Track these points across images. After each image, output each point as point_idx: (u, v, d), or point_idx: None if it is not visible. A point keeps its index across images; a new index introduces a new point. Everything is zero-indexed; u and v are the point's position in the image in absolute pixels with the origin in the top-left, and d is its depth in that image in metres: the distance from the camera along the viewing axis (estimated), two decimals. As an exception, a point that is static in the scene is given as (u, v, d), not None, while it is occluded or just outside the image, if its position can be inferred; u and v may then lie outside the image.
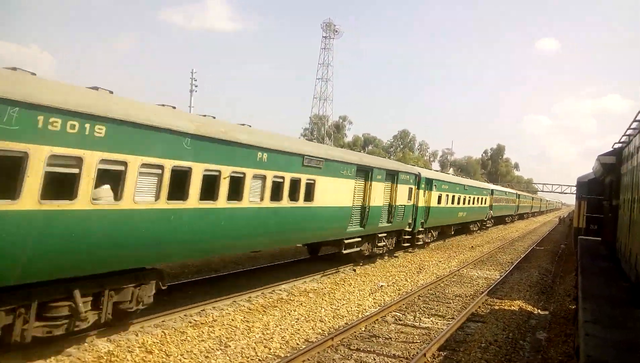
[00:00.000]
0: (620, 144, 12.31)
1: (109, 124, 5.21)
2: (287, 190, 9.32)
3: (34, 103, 4.37)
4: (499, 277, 16.04)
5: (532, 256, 22.63)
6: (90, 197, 5.26)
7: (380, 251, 15.81)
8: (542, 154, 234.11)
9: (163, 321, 8.43)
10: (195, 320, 8.68)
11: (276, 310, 9.80)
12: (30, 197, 4.49)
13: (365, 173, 13.53)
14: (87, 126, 5.00)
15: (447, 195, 22.54)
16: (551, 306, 12.27)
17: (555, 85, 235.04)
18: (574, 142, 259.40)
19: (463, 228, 29.17)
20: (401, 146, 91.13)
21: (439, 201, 21.14)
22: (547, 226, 52.33)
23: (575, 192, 21.39)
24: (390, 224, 15.69)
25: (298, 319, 9.41)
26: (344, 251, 13.22)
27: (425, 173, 19.60)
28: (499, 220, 41.11)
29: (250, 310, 9.76)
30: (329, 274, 12.97)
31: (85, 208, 5.05)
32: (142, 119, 5.72)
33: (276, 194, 8.94)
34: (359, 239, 13.76)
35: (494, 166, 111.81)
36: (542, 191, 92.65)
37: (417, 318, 10.23)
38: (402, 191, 16.25)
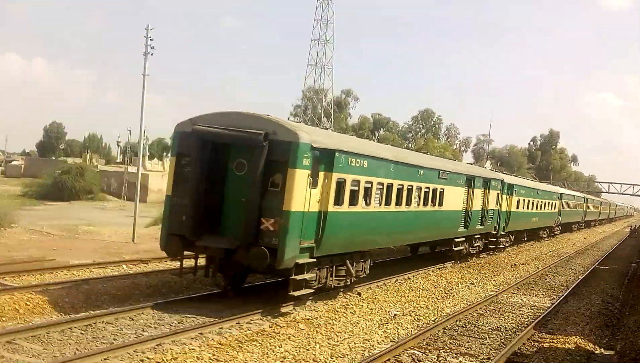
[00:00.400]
0: None
1: (368, 159, 13.41)
2: (430, 197, 18.01)
3: (348, 151, 12.57)
4: (549, 305, 16.55)
5: (594, 278, 23.26)
6: (361, 203, 13.64)
7: (475, 251, 24.70)
8: (607, 144, 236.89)
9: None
10: (148, 359, 8.91)
11: (255, 346, 10.04)
12: (345, 203, 12.77)
13: (469, 181, 21.87)
14: (361, 161, 13.25)
15: (524, 200, 30.97)
16: (618, 344, 12.74)
17: (626, 52, 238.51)
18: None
19: (532, 235, 37.05)
20: (423, 131, 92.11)
21: (518, 206, 29.63)
22: (614, 238, 53.39)
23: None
24: (482, 227, 24.31)
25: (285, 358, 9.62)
26: (455, 248, 22.18)
27: (507, 179, 28.44)
28: (566, 227, 48.42)
29: (221, 345, 9.92)
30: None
31: (359, 210, 13.48)
32: (377, 154, 14.25)
33: (425, 200, 17.66)
34: (463, 239, 22.62)
35: (544, 159, 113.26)
36: (607, 191, 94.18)
37: (441, 359, 10.65)
38: (492, 196, 24.70)
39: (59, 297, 11.88)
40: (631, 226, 64.19)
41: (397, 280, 18.35)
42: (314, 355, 9.93)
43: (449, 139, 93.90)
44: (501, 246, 28.28)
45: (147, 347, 9.42)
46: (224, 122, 12.61)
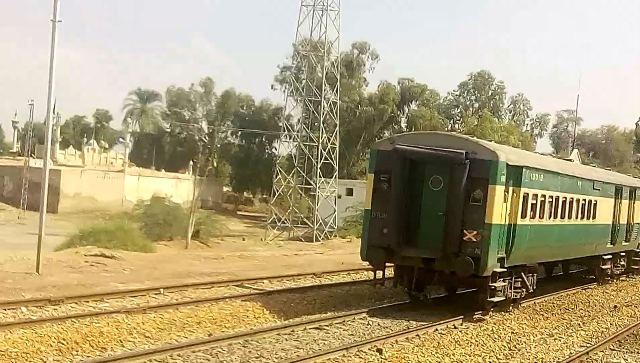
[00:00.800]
0: None
1: (543, 173, 21.14)
2: (587, 210, 24.80)
3: (531, 166, 20.79)
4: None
5: None
6: (538, 216, 21.83)
7: (619, 271, 30.50)
8: None
9: None
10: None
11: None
12: (527, 216, 20.77)
13: (617, 191, 28.12)
14: (538, 175, 21.03)
15: None
16: None
17: None
18: None
19: None
20: (476, 104, 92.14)
21: None
22: None
23: None
24: (627, 243, 30.16)
25: None
26: (602, 267, 28.17)
27: None
28: None
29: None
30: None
31: (538, 223, 21.48)
32: (549, 167, 22.29)
33: (582, 213, 24.13)
34: (610, 256, 28.74)
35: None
36: None
37: None
38: (638, 208, 30.66)
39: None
40: None
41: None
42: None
43: (515, 118, 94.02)
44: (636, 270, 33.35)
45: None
46: (421, 141, 20.22)
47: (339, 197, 55.46)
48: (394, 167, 19.70)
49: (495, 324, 19.94)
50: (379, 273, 20.93)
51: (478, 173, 19.13)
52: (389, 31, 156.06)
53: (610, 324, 21.66)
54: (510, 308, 21.71)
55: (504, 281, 20.59)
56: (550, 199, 22.60)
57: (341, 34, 59.81)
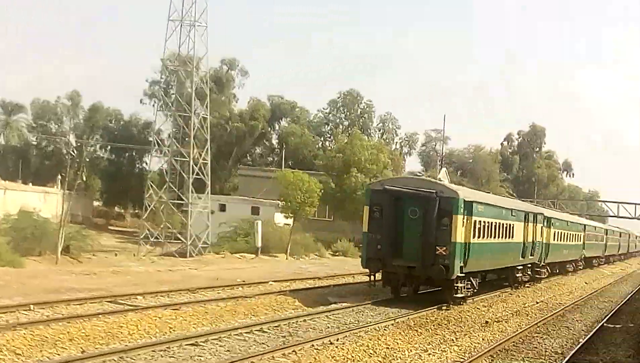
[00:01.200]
0: None
1: (483, 205, 30.72)
2: (507, 231, 34.10)
3: (478, 201, 30.40)
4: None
5: (600, 341, 23.84)
6: (482, 236, 31.03)
7: (526, 279, 40.17)
8: (615, 146, 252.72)
9: None
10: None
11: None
12: (476, 236, 29.95)
13: (525, 216, 36.84)
14: (482, 207, 30.64)
15: (559, 232, 48.31)
16: None
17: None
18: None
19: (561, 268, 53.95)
20: (345, 122, 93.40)
21: (554, 238, 46.51)
22: (628, 282, 56.12)
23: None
24: (532, 257, 39.24)
25: None
26: (516, 275, 37.33)
27: (546, 213, 45.16)
28: (587, 263, 61.48)
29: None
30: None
31: (483, 241, 30.64)
32: (486, 200, 32.65)
33: (505, 233, 33.40)
34: (521, 267, 37.72)
35: (524, 166, 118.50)
36: (618, 216, 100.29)
37: None
38: (538, 229, 40.08)
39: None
40: None
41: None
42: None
43: (384, 136, 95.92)
44: (542, 276, 44.37)
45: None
46: (402, 183, 29.69)
47: (212, 213, 54.98)
48: (384, 202, 28.74)
49: (370, 340, 20.20)
50: (375, 277, 29.92)
51: (445, 206, 27.88)
52: (260, 46, 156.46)
53: (482, 339, 22.30)
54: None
55: (462, 282, 29.48)
56: (488, 224, 31.49)
57: (210, 50, 59.15)
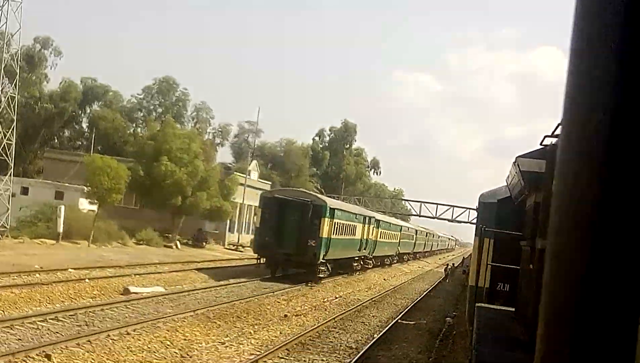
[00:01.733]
0: (554, 139, 14.78)
1: (338, 211, 44.94)
2: (352, 230, 49.13)
3: (336, 208, 45.73)
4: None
5: (395, 338, 25.00)
6: (337, 233, 45.47)
7: (359, 267, 53.62)
8: (420, 146, 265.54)
9: None
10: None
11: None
12: (334, 233, 44.09)
13: (363, 218, 52.06)
14: (338, 212, 45.04)
15: (383, 231, 62.28)
16: None
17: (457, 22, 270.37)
18: (482, 128, 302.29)
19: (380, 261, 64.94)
20: (160, 110, 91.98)
21: (380, 236, 60.60)
22: (425, 280, 59.57)
23: (476, 221, 24.78)
24: (365, 251, 53.99)
25: None
26: (354, 264, 51.99)
27: (376, 216, 60.70)
28: (377, 262, 64.64)
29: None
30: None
31: (338, 237, 44.83)
32: (340, 207, 48.72)
33: (350, 231, 48.46)
34: (358, 258, 52.45)
35: (334, 162, 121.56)
36: (420, 215, 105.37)
37: None
38: (371, 229, 54.88)
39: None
40: (446, 266, 69.56)
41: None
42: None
43: (197, 125, 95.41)
44: (369, 266, 57.07)
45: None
46: (287, 193, 43.80)
47: (13, 196, 52.57)
48: (273, 206, 40.80)
49: (168, 331, 20.29)
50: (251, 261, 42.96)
51: (316, 210, 40.41)
52: (77, 25, 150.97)
53: (280, 333, 22.95)
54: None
55: (324, 266, 42.13)
56: (342, 225, 44.94)
57: (22, 27, 56.48)
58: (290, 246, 39.84)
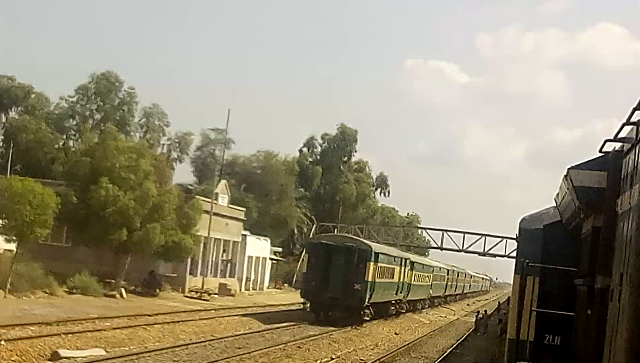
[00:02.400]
0: (618, 144, 14.19)
1: (381, 254, 60.90)
2: (390, 272, 66.34)
3: (378, 252, 61.06)
4: None
5: None
6: (382, 277, 64.37)
7: (394, 312, 70.04)
8: (442, 158, 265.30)
9: None
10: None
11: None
12: (378, 277, 61.74)
13: (400, 260, 69.07)
14: (381, 256, 61.62)
15: (416, 274, 78.22)
16: None
17: None
18: (522, 132, 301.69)
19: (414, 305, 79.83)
20: (98, 115, 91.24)
21: (414, 279, 76.80)
22: (449, 334, 60.38)
23: (516, 254, 24.49)
24: (401, 294, 70.57)
25: None
26: (391, 308, 68.83)
27: (412, 258, 78.10)
28: (410, 306, 77.14)
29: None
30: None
31: (383, 280, 62.56)
32: (383, 250, 65.07)
33: (390, 275, 66.55)
34: (394, 302, 69.57)
35: (328, 180, 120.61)
36: (442, 248, 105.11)
37: None
38: (406, 271, 71.26)
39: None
40: (477, 314, 69.32)
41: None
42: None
43: (148, 135, 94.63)
44: (403, 311, 71.40)
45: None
46: (332, 239, 59.73)
47: None
48: (319, 252, 54.66)
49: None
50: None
51: (361, 255, 54.39)
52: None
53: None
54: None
55: (368, 310, 56.18)
56: (384, 268, 58.97)
57: None
58: (337, 290, 53.41)
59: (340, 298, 53.12)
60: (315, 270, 54.29)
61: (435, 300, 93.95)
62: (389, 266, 61.71)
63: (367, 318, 56.31)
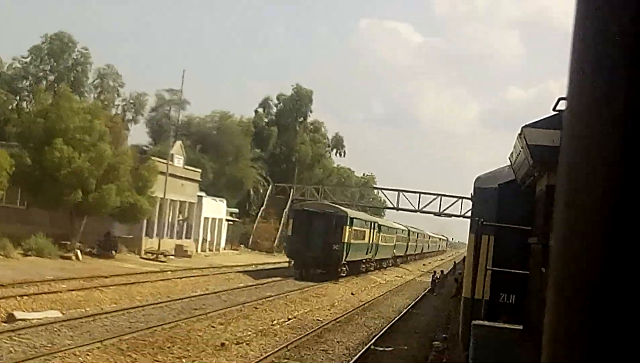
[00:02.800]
0: None
1: (355, 219, 73.75)
2: (363, 235, 79.76)
3: (353, 217, 74.70)
4: None
5: None
6: (355, 238, 78.33)
7: (364, 269, 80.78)
8: (397, 119, 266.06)
9: None
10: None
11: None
12: (352, 238, 73.75)
13: (370, 224, 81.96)
14: (355, 220, 73.84)
15: (383, 235, 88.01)
16: None
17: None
18: (477, 92, 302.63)
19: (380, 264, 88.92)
20: (52, 76, 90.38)
21: (381, 240, 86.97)
22: (404, 293, 61.02)
23: (471, 214, 24.65)
24: (370, 254, 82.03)
25: None
26: (362, 266, 79.78)
27: (379, 221, 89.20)
28: (377, 265, 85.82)
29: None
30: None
31: (355, 242, 73.88)
32: (356, 216, 78.57)
33: (362, 236, 79.22)
34: (365, 260, 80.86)
35: (284, 140, 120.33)
36: (398, 208, 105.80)
37: None
38: (374, 233, 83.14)
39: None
40: (433, 273, 70.42)
41: None
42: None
43: (102, 96, 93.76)
44: (371, 269, 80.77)
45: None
46: (313, 206, 72.02)
47: None
48: (302, 217, 65.76)
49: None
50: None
51: (339, 220, 65.50)
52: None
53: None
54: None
55: (344, 267, 67.18)
56: (357, 231, 70.31)
57: None
58: (317, 250, 62.54)
59: (320, 257, 62.88)
60: (299, 233, 64.14)
61: (397, 259, 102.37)
62: (361, 229, 72.96)
63: (344, 274, 66.69)
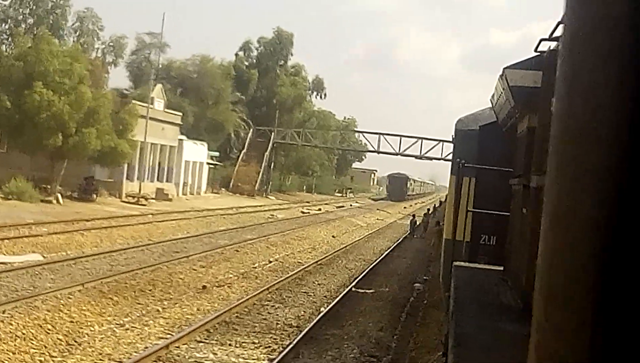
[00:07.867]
0: (554, 43, 14.59)
1: (414, 181, 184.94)
2: (417, 185, 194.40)
3: (413, 179, 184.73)
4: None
5: (348, 312, 25.29)
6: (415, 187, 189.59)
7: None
8: (379, 61, 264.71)
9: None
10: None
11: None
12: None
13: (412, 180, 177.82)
14: (416, 182, 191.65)
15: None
16: None
17: None
18: (459, 34, 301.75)
19: None
20: (31, 19, 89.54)
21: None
22: (385, 236, 60.83)
23: (452, 156, 24.65)
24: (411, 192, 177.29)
25: None
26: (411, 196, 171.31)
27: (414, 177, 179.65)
28: None
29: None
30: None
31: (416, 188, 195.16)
32: (415, 178, 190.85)
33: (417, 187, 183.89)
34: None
35: (265, 84, 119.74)
36: (379, 151, 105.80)
37: None
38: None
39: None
40: (412, 216, 69.18)
41: None
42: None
43: (82, 40, 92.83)
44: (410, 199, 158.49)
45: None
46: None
47: None
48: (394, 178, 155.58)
49: (49, 311, 20.00)
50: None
51: (406, 181, 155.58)
52: None
53: (198, 309, 23.01)
54: None
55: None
56: (415, 188, 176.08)
57: None
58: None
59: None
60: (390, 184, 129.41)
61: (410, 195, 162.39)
62: (419, 188, 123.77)
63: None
